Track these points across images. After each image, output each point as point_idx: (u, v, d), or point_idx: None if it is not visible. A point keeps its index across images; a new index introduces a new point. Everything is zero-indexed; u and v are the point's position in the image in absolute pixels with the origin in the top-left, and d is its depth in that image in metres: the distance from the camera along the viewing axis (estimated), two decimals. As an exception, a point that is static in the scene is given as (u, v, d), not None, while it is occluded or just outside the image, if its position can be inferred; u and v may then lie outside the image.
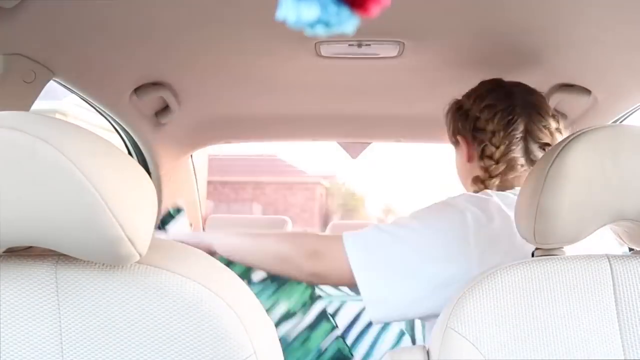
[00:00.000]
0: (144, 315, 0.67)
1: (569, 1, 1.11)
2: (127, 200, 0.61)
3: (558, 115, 1.30)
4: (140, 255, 0.64)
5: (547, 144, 1.23)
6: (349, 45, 1.35)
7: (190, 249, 0.76)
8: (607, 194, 0.83)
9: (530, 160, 1.23)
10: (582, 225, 0.86)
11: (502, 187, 1.22)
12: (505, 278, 0.86)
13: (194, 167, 2.34)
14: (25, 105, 1.23)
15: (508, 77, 1.56)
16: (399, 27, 1.25)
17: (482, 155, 1.25)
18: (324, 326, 1.46)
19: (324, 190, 18.23)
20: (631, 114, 1.56)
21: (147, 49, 1.38)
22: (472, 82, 1.62)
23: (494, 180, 1.23)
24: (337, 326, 1.49)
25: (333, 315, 1.55)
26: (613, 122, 1.57)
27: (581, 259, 0.88)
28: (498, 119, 1.24)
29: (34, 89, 1.23)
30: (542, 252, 0.93)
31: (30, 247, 0.71)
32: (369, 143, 2.45)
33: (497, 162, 1.23)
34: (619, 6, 1.11)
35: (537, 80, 1.57)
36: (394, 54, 1.38)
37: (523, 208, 0.91)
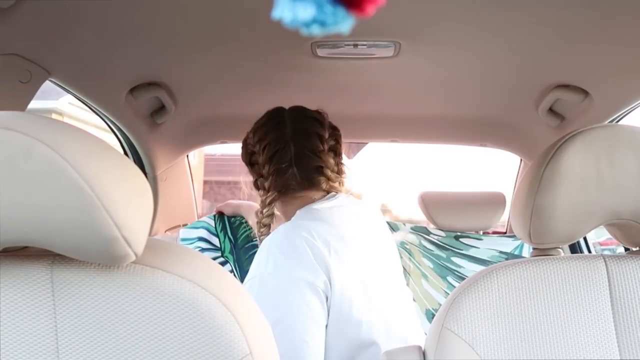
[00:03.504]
0: (140, 315, 0.67)
1: (566, 2, 1.11)
2: (123, 200, 0.61)
3: (337, 137, 1.41)
4: (136, 255, 0.64)
5: (320, 167, 1.33)
6: (345, 45, 1.35)
7: (186, 249, 0.76)
8: (602, 194, 0.83)
9: (305, 182, 1.32)
10: (578, 225, 0.86)
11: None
12: (501, 278, 0.86)
13: (190, 167, 2.33)
14: (21, 105, 1.22)
15: (505, 77, 1.56)
16: (395, 27, 1.25)
17: (258, 187, 1.38)
18: None
19: (320, 190, 18.21)
20: (627, 114, 1.57)
21: (143, 49, 1.38)
22: (469, 82, 1.62)
23: (270, 208, 1.35)
24: None
25: None
26: (609, 123, 1.58)
27: (577, 259, 0.88)
28: (267, 151, 1.33)
29: (30, 89, 1.23)
30: (538, 252, 0.93)
31: (26, 247, 0.71)
32: (365, 143, 2.45)
33: (268, 191, 1.34)
34: (615, 6, 1.11)
35: (533, 80, 1.58)
36: (390, 54, 1.39)
37: (518, 208, 0.91)
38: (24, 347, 0.66)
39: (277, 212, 1.39)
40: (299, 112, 1.40)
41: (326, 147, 1.36)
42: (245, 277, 1.22)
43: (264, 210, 1.35)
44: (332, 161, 1.36)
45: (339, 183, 1.38)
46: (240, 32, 1.29)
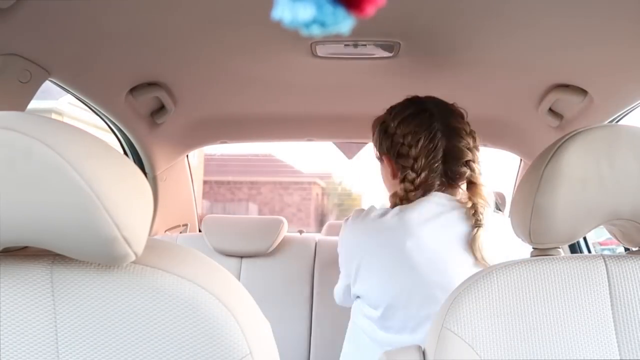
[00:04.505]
0: (140, 315, 0.67)
1: (565, 2, 1.11)
2: (122, 200, 0.61)
3: (474, 132, 1.41)
4: (136, 255, 0.64)
5: (468, 161, 1.34)
6: (345, 45, 1.35)
7: (186, 249, 0.76)
8: (602, 194, 0.83)
9: (448, 178, 1.34)
10: (578, 225, 0.86)
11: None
12: (501, 278, 0.86)
13: (189, 167, 2.34)
14: (21, 105, 1.22)
15: (504, 77, 1.56)
16: (395, 28, 1.25)
17: (404, 179, 1.35)
18: None
19: (320, 190, 18.20)
20: (627, 114, 1.57)
21: (143, 49, 1.38)
22: (468, 82, 1.62)
23: (409, 199, 1.34)
24: None
25: None
26: (609, 123, 1.58)
27: (577, 259, 0.88)
28: (421, 146, 1.33)
29: (30, 89, 1.23)
30: (538, 252, 0.93)
31: (26, 247, 0.71)
32: (365, 143, 2.44)
33: (416, 189, 1.33)
34: (614, 7, 1.11)
35: (533, 80, 1.58)
36: (390, 54, 1.39)
37: (519, 208, 0.91)
38: (24, 347, 0.67)
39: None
40: (444, 105, 1.41)
41: (471, 143, 1.38)
42: None
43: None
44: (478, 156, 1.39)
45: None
46: (240, 32, 1.29)
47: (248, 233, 2.09)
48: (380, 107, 1.78)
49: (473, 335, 0.84)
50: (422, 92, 1.71)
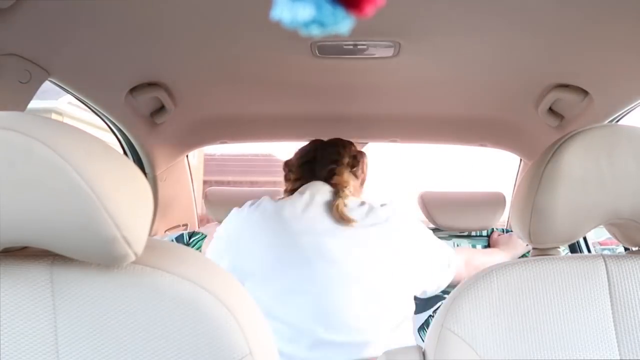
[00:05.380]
0: (140, 316, 0.67)
1: (565, 2, 1.11)
2: (122, 200, 0.61)
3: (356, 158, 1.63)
4: (136, 255, 0.64)
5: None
6: (345, 45, 1.35)
7: (186, 249, 0.76)
8: (602, 194, 0.83)
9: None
10: (577, 224, 0.86)
11: None
12: (500, 278, 0.86)
13: (189, 167, 2.34)
14: (21, 105, 1.22)
15: (505, 77, 1.56)
16: (395, 27, 1.25)
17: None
18: None
19: (319, 190, 18.18)
20: (627, 114, 1.57)
21: (143, 49, 1.38)
22: (469, 82, 1.62)
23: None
24: None
25: None
26: (609, 122, 1.58)
27: (577, 259, 0.88)
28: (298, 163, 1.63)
29: (30, 89, 1.23)
30: (538, 252, 0.93)
31: (26, 247, 0.71)
32: (365, 143, 2.45)
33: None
34: (614, 7, 1.11)
35: (533, 80, 1.58)
36: (390, 54, 1.39)
37: (518, 208, 0.91)
38: (24, 347, 0.67)
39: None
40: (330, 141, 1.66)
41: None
42: None
43: None
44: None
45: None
46: (240, 32, 1.29)
47: None
48: (380, 107, 1.79)
49: (473, 335, 0.84)
50: (422, 92, 1.72)
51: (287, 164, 1.66)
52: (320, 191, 1.47)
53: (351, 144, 1.66)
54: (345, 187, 1.48)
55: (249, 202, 1.51)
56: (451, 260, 1.55)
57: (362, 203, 1.46)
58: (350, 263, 1.33)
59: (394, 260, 1.37)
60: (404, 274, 1.38)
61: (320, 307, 1.30)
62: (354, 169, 1.58)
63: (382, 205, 1.47)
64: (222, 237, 1.48)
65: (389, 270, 1.36)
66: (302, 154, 1.65)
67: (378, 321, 1.31)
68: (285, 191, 1.63)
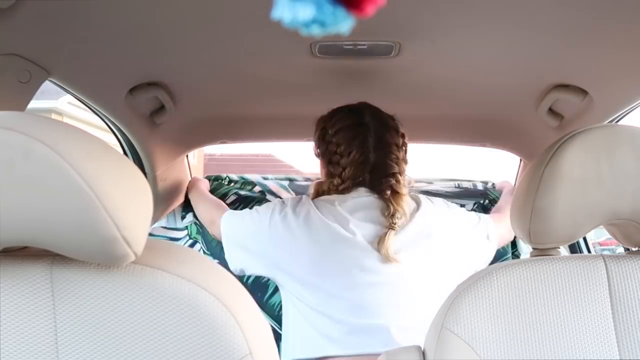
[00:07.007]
0: (140, 315, 0.67)
1: (565, 2, 1.11)
2: (122, 200, 0.61)
3: (406, 145, 1.59)
4: (135, 255, 0.64)
5: (394, 173, 1.50)
6: (345, 45, 1.35)
7: (186, 249, 0.76)
8: (602, 194, 0.83)
9: (372, 186, 1.50)
10: (577, 225, 0.86)
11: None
12: (500, 278, 0.86)
13: (189, 167, 2.33)
14: (21, 105, 1.22)
15: (505, 77, 1.56)
16: (395, 27, 1.25)
17: (330, 183, 1.53)
18: None
19: (319, 190, 18.19)
20: (627, 114, 1.57)
21: (143, 49, 1.38)
22: (469, 82, 1.62)
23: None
24: None
25: None
26: (608, 123, 1.58)
27: (577, 259, 0.88)
28: (351, 158, 1.49)
29: (29, 89, 1.23)
30: (538, 252, 0.93)
31: (26, 247, 0.71)
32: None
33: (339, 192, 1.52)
34: (615, 7, 1.11)
35: (533, 80, 1.58)
36: (390, 54, 1.38)
37: (518, 208, 0.91)
38: (24, 347, 0.67)
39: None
40: (383, 122, 1.55)
41: (401, 156, 1.54)
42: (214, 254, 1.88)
43: None
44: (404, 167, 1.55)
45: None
46: (239, 32, 1.29)
47: None
48: (380, 107, 1.78)
49: (473, 336, 0.84)
50: (422, 92, 1.72)
51: (334, 150, 1.52)
52: (371, 207, 1.45)
53: (398, 124, 1.58)
54: (399, 212, 1.42)
55: (291, 202, 1.50)
56: (490, 231, 1.55)
57: (403, 214, 1.44)
58: (389, 272, 1.37)
59: (434, 261, 1.41)
60: (445, 271, 1.41)
61: (358, 313, 1.34)
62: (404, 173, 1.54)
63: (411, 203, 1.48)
64: (263, 225, 1.48)
65: (430, 272, 1.39)
66: (351, 136, 1.51)
67: (418, 323, 1.33)
68: (329, 185, 1.53)
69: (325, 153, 1.55)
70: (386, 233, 1.38)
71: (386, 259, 1.35)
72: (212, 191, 2.10)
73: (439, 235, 1.44)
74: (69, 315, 0.67)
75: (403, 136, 1.57)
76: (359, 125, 1.52)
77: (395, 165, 1.49)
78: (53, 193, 0.58)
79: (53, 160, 0.57)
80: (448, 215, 1.52)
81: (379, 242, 1.37)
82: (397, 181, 1.48)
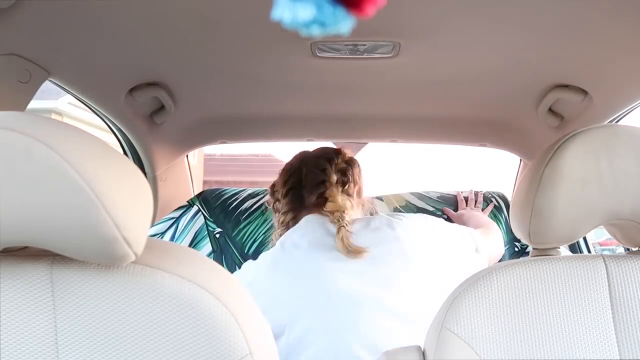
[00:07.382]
0: (140, 316, 0.67)
1: (565, 2, 1.11)
2: (122, 200, 0.61)
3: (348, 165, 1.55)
4: (136, 255, 0.64)
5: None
6: (345, 45, 1.35)
7: (186, 249, 0.76)
8: (602, 194, 0.83)
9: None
10: (577, 225, 0.86)
11: None
12: (500, 278, 0.86)
13: (189, 167, 2.33)
14: (21, 105, 1.22)
15: (504, 77, 1.57)
16: (395, 27, 1.25)
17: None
18: None
19: (319, 190, 18.19)
20: (627, 114, 1.57)
21: (143, 49, 1.38)
22: (468, 82, 1.62)
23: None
24: None
25: None
26: (608, 123, 1.58)
27: (577, 259, 0.88)
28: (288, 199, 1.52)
29: (30, 89, 1.23)
30: (538, 252, 0.93)
31: (26, 247, 0.71)
32: (365, 143, 2.44)
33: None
34: (615, 6, 1.11)
35: (533, 80, 1.58)
36: (390, 54, 1.39)
37: (518, 208, 0.91)
38: (24, 347, 0.67)
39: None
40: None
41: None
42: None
43: None
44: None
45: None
46: (240, 32, 1.29)
47: None
48: (380, 107, 1.79)
49: (473, 335, 0.84)
50: (422, 92, 1.72)
51: (273, 190, 1.57)
52: (317, 225, 1.39)
53: (338, 153, 1.55)
54: (344, 211, 1.38)
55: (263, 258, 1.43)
56: (478, 244, 1.49)
57: (367, 222, 1.39)
58: (367, 292, 1.28)
59: (415, 273, 1.32)
60: (428, 281, 1.32)
61: (345, 341, 1.25)
62: (346, 187, 1.47)
63: (383, 218, 1.41)
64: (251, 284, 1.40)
65: (412, 284, 1.30)
66: (287, 176, 1.54)
67: (411, 335, 1.27)
68: (279, 224, 1.53)
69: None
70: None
71: (349, 253, 1.33)
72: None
73: (414, 248, 1.36)
74: (69, 315, 0.67)
75: (348, 163, 1.55)
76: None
77: (323, 183, 1.48)
78: (53, 193, 0.58)
79: (53, 160, 0.57)
80: (427, 226, 1.44)
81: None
82: (329, 189, 1.46)
